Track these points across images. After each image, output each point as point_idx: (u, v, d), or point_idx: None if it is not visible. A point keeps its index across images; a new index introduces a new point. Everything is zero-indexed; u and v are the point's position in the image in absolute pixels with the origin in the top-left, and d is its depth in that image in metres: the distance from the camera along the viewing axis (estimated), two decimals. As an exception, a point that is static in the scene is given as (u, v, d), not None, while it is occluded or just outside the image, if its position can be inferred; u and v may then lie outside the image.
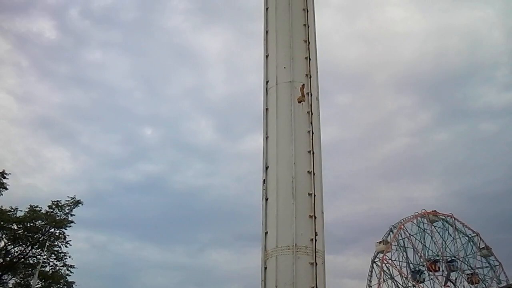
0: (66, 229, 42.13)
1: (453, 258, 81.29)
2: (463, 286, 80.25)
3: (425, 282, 79.89)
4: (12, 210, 41.21)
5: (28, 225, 41.27)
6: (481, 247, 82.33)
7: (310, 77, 16.01)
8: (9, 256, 41.35)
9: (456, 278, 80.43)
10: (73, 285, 42.63)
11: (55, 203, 42.30)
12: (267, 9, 17.35)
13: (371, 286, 79.73)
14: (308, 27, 16.72)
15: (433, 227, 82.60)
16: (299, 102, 15.51)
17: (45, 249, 40.57)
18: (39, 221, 41.49)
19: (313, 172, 14.78)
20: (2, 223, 40.35)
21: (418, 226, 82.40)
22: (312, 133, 15.28)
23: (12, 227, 41.12)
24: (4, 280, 41.01)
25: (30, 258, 42.00)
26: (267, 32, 16.96)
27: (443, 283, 79.56)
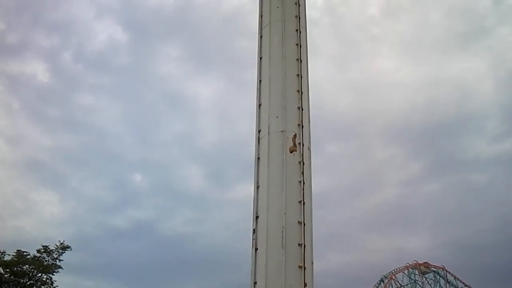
0: (53, 274, 41.60)
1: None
2: None
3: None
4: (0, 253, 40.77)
5: (15, 269, 40.72)
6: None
7: (302, 127, 16.05)
8: (-5, 300, 40.63)
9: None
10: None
11: (44, 247, 41.86)
12: (260, 58, 17.50)
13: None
14: (301, 77, 16.85)
15: (424, 278, 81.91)
16: (291, 152, 15.50)
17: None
18: (27, 266, 40.98)
19: (304, 222, 14.68)
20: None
21: (409, 277, 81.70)
22: (303, 183, 15.23)
23: (-1, 270, 40.57)
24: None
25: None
26: (260, 81, 17.07)
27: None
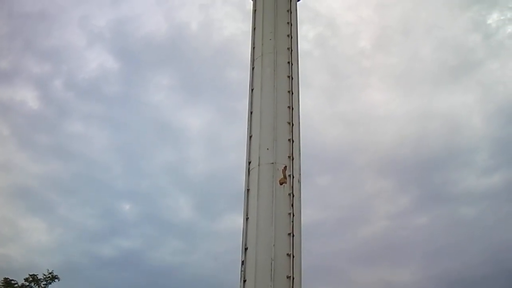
0: (41, 304, 40.93)
1: None
2: None
3: None
4: (-14, 281, 40.15)
5: (2, 298, 40.06)
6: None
7: (293, 159, 16.06)
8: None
9: None
10: None
11: (32, 276, 41.28)
12: (252, 89, 17.58)
13: None
14: (292, 109, 16.91)
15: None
16: (281, 184, 15.47)
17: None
18: (14, 295, 40.33)
19: (292, 255, 14.60)
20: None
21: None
22: (293, 216, 15.18)
23: (-15, 299, 39.91)
24: None
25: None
26: (251, 113, 17.11)
27: None
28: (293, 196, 15.50)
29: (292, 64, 17.74)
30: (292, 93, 17.17)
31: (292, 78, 17.46)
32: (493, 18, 57.41)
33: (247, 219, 15.43)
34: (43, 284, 41.45)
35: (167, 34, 55.25)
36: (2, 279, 40.35)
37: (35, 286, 41.39)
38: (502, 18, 56.53)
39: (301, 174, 16.50)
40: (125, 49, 54.50)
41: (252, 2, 20.34)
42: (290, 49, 18.02)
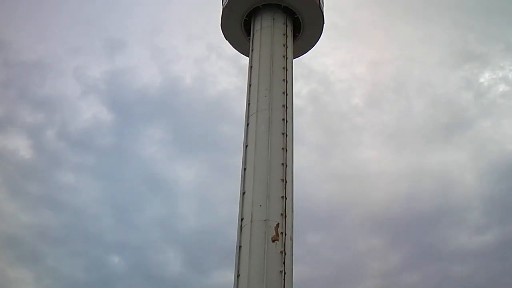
0: None
1: None
2: None
3: None
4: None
5: None
6: None
7: (285, 216, 16.02)
8: None
9: None
10: None
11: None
12: (246, 146, 17.65)
13: None
14: (286, 166, 16.97)
15: None
16: (273, 241, 15.39)
17: None
18: None
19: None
20: None
21: None
22: (284, 273, 15.07)
23: None
24: None
25: None
26: (245, 169, 17.15)
27: None
28: (285, 253, 15.41)
29: (287, 121, 17.89)
30: (286, 150, 17.26)
31: (286, 135, 17.58)
32: (485, 76, 58.11)
33: (238, 276, 15.29)
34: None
35: (161, 87, 55.65)
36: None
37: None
38: (494, 77, 57.31)
39: (293, 231, 16.45)
40: (119, 101, 54.75)
41: (248, 58, 20.64)
42: (285, 106, 18.20)
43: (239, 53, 22.73)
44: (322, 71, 53.67)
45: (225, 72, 56.89)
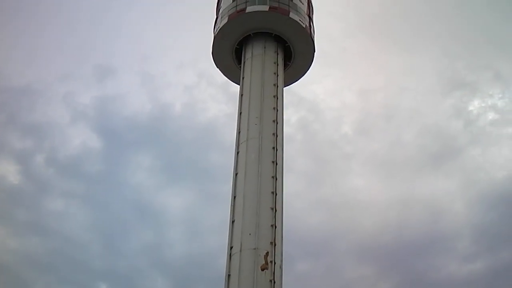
0: None
1: None
2: None
3: None
4: None
5: None
6: None
7: (275, 244, 15.94)
8: None
9: None
10: None
11: None
12: (236, 174, 17.60)
13: None
14: (276, 194, 16.92)
15: None
16: (262, 270, 15.29)
17: None
18: None
19: None
20: None
21: None
22: (274, 302, 14.96)
23: None
24: None
25: None
26: (234, 197, 17.09)
27: None
28: (274, 282, 15.31)
29: (277, 150, 17.88)
30: (276, 179, 17.22)
31: (276, 164, 17.56)
32: (474, 104, 58.51)
33: (227, 304, 15.17)
34: None
35: (151, 114, 55.69)
36: None
37: None
38: (483, 105, 57.75)
39: (283, 259, 16.36)
40: (108, 128, 54.64)
41: (238, 85, 20.69)
42: (275, 135, 18.20)
43: (228, 80, 22.81)
44: (312, 99, 53.92)
45: (214, 99, 57.05)
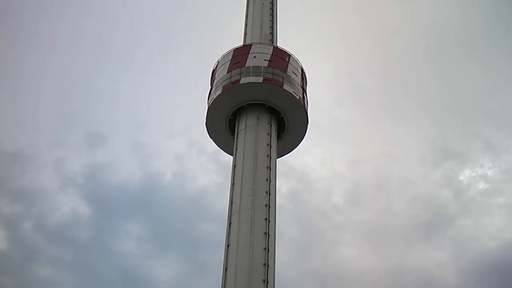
0: None
1: None
2: None
3: None
4: None
5: None
6: None
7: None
8: None
9: None
10: None
11: None
12: (228, 245, 17.55)
13: None
14: (268, 266, 16.85)
15: None
16: None
17: None
18: None
19: None
20: None
21: None
22: None
23: None
24: None
25: None
26: (226, 269, 16.99)
27: None
28: None
29: (269, 221, 17.81)
30: (268, 250, 17.11)
31: (268, 235, 17.46)
32: (465, 174, 58.82)
33: None
34: None
35: (141, 182, 55.67)
36: None
37: None
38: (473, 174, 58.07)
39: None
40: (98, 195, 54.47)
41: (230, 156, 20.74)
42: (268, 206, 18.17)
43: (219, 149, 22.83)
44: (302, 169, 54.02)
45: (205, 168, 57.10)
